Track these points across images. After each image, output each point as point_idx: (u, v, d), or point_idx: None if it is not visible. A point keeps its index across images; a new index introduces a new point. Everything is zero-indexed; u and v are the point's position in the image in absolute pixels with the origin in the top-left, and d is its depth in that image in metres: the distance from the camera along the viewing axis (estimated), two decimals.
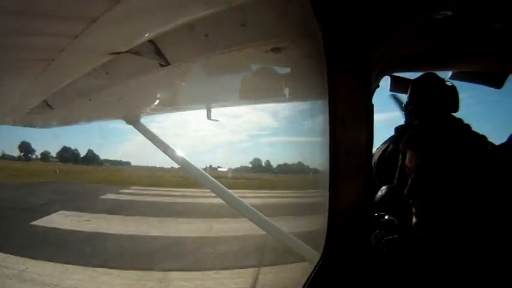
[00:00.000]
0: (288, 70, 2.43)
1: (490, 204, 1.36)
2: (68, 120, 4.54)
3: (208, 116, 3.58)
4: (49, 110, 3.67)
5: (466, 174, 1.33)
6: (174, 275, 8.39)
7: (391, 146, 2.70)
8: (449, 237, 1.36)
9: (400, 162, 2.38)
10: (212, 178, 3.90)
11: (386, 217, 2.03)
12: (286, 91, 2.62)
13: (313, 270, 1.68)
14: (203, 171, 4.19)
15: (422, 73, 2.78)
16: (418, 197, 1.36)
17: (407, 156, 1.42)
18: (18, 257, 8.62)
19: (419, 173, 1.36)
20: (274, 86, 2.59)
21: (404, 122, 2.83)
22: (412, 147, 1.42)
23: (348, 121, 1.68)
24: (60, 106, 3.57)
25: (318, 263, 1.70)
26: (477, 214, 1.34)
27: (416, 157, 1.38)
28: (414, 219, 1.39)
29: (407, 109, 2.82)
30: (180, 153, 3.96)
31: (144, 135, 3.96)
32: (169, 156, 3.96)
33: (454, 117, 2.55)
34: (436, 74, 2.74)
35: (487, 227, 1.35)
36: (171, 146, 3.94)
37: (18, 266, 8.14)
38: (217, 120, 3.65)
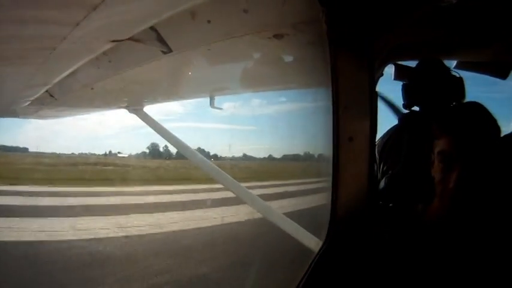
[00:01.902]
0: (291, 56, 2.42)
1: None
2: (71, 111, 4.55)
3: (212, 104, 3.58)
4: (52, 100, 3.67)
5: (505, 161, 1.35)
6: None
7: (395, 135, 2.68)
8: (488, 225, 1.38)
9: (406, 151, 2.36)
10: (218, 167, 3.91)
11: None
12: (290, 77, 2.61)
13: (314, 258, 1.68)
14: (209, 160, 4.20)
15: (426, 59, 2.74)
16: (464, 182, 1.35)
17: (447, 142, 1.41)
18: None
19: (468, 160, 1.35)
20: (277, 72, 2.59)
21: (406, 108, 2.79)
22: (455, 133, 1.40)
23: (351, 107, 1.67)
24: (63, 96, 3.58)
25: (319, 251, 1.71)
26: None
27: (462, 143, 1.37)
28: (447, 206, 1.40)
29: (410, 95, 2.77)
30: (184, 142, 3.97)
31: (148, 124, 3.97)
32: (173, 145, 3.97)
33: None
34: (440, 60, 2.71)
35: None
36: (175, 135, 3.95)
37: None
38: (220, 108, 3.65)
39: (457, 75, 2.72)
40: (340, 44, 1.66)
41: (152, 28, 2.12)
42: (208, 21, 2.01)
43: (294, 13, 1.88)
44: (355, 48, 1.69)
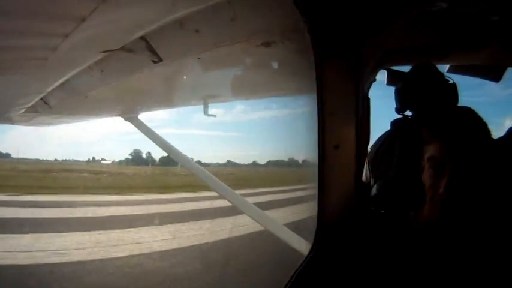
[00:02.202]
0: (278, 64, 2.43)
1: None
2: (66, 118, 4.57)
3: (206, 112, 3.60)
4: (47, 108, 3.70)
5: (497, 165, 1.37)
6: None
7: (387, 140, 2.67)
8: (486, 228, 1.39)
9: (398, 157, 2.36)
10: (211, 174, 3.92)
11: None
12: (278, 84, 2.62)
13: (301, 264, 1.69)
14: (203, 167, 4.22)
15: (419, 63, 2.74)
16: (457, 188, 1.36)
17: (438, 148, 1.42)
18: None
19: (458, 165, 1.36)
20: (266, 80, 2.60)
21: (399, 112, 2.78)
22: (446, 138, 1.41)
23: (337, 114, 1.68)
24: (57, 104, 3.60)
25: (307, 256, 1.71)
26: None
27: (452, 148, 1.38)
28: (441, 211, 1.41)
29: (403, 99, 2.76)
30: (178, 149, 3.99)
31: (142, 132, 3.98)
32: (167, 152, 3.99)
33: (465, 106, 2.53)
34: (433, 64, 2.71)
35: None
36: (169, 142, 3.97)
37: None
38: (214, 116, 3.67)
39: (450, 80, 2.73)
40: (325, 51, 1.67)
41: (142, 38, 2.14)
42: (197, 31, 2.04)
43: (282, 21, 1.90)
44: (340, 55, 1.70)
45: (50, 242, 10.42)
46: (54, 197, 17.55)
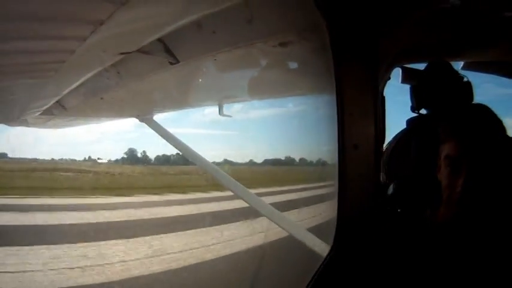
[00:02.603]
0: (296, 64, 2.43)
1: None
2: (81, 120, 4.61)
3: (221, 112, 3.61)
4: (62, 111, 3.73)
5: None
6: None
7: (403, 139, 2.66)
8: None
9: (414, 155, 2.35)
10: (226, 174, 3.94)
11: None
12: (295, 85, 2.62)
13: (321, 264, 1.69)
14: (217, 167, 4.23)
15: (435, 61, 2.73)
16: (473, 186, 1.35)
17: (453, 146, 1.41)
18: None
19: (474, 163, 1.35)
20: (283, 80, 2.60)
21: (414, 110, 2.77)
22: (461, 136, 1.41)
23: (356, 114, 1.68)
24: (73, 106, 3.64)
25: (327, 256, 1.71)
26: None
27: (468, 146, 1.37)
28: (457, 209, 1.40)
29: (419, 97, 2.74)
30: (193, 150, 4.00)
31: (158, 133, 4.01)
32: (182, 153, 4.01)
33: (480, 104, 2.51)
34: (448, 62, 2.69)
35: None
36: (184, 143, 3.99)
37: None
38: (229, 116, 3.69)
39: (465, 78, 2.71)
40: (343, 51, 1.67)
41: (159, 40, 2.16)
42: (214, 32, 2.05)
43: (298, 21, 1.90)
44: (358, 55, 1.70)
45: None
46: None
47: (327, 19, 1.62)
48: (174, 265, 9.00)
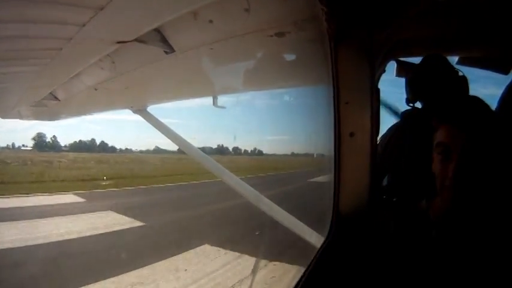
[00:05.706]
0: (292, 54, 2.44)
1: None
2: (74, 112, 4.59)
3: (215, 103, 3.61)
4: (55, 102, 3.71)
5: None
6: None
7: (397, 131, 2.68)
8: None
9: (408, 147, 2.37)
10: (220, 165, 3.95)
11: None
12: (292, 74, 2.63)
13: (317, 253, 1.70)
14: (211, 158, 4.24)
15: (429, 55, 2.74)
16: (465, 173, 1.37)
17: (445, 132, 1.42)
18: None
19: (466, 149, 1.36)
20: (280, 70, 2.60)
21: (409, 103, 2.79)
22: (453, 122, 1.42)
23: (352, 103, 1.69)
24: (66, 98, 3.61)
25: (322, 245, 1.73)
26: None
27: (460, 132, 1.39)
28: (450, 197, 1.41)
29: (413, 90, 2.76)
30: (187, 140, 4.01)
31: (151, 124, 4.00)
32: (176, 144, 4.01)
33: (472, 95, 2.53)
34: (443, 56, 2.71)
35: None
36: (178, 134, 3.99)
37: None
38: (223, 107, 3.69)
39: (460, 73, 2.73)
40: (340, 41, 1.68)
41: (156, 29, 2.16)
42: (210, 21, 2.04)
43: (295, 11, 1.91)
44: (355, 44, 1.71)
45: None
46: None
47: (326, 10, 1.62)
48: None
